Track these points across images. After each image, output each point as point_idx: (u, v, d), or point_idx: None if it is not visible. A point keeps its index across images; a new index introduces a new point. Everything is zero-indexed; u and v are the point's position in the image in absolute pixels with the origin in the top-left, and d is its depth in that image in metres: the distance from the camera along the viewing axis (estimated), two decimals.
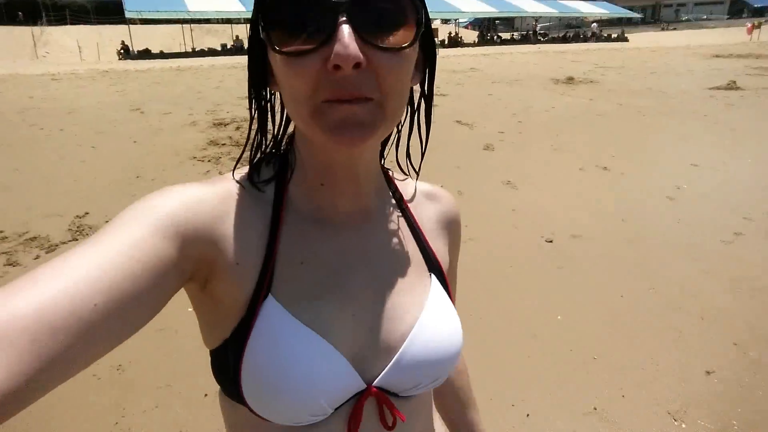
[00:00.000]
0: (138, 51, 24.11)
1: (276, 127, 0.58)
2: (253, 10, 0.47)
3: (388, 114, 0.46)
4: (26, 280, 0.37)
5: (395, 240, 0.60)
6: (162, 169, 5.15)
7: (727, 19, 62.37)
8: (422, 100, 0.59)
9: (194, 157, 5.53)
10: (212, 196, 0.50)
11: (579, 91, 10.34)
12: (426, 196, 0.68)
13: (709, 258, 3.30)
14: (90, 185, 4.65)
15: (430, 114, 0.60)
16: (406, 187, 0.66)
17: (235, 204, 0.52)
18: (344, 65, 0.41)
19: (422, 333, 0.55)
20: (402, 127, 0.61)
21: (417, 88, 0.56)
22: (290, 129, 0.59)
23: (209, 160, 5.42)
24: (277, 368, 0.48)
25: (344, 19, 0.41)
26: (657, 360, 2.35)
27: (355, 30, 0.41)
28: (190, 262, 0.46)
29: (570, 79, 11.64)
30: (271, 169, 0.57)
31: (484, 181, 4.80)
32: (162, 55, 24.02)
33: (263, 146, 0.57)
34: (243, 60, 20.33)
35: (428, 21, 0.48)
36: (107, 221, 0.45)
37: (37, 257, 3.27)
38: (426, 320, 0.56)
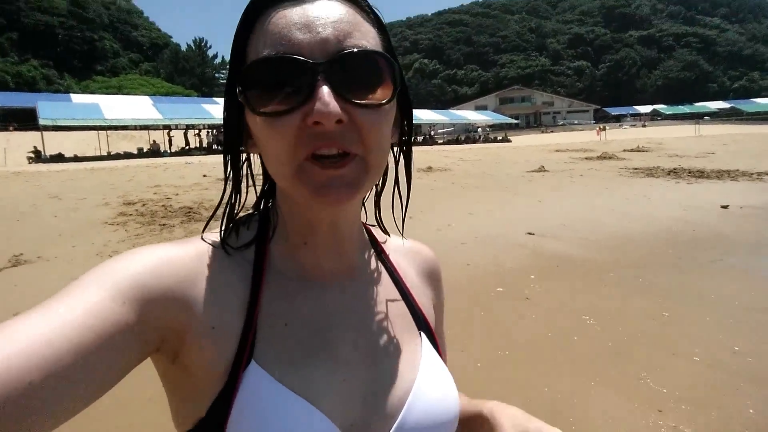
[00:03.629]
0: (50, 155, 24.02)
1: (249, 188, 0.57)
2: (229, 76, 0.49)
3: (371, 169, 0.47)
4: None
5: (382, 297, 0.58)
6: (78, 229, 6.77)
7: (594, 123, 75.60)
8: (401, 156, 0.59)
9: (105, 222, 7.20)
10: (183, 256, 0.48)
11: (431, 176, 13.30)
12: (407, 250, 0.68)
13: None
14: (20, 240, 6.16)
15: (410, 170, 0.60)
16: (387, 242, 0.66)
17: (210, 264, 0.49)
18: (325, 122, 0.42)
19: (420, 400, 0.52)
20: (383, 187, 0.61)
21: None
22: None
23: (118, 224, 7.11)
24: None
25: (322, 78, 0.43)
26: None
27: (334, 89, 0.43)
28: (155, 330, 0.43)
29: (429, 168, 14.71)
30: (247, 228, 0.56)
31: None
32: (76, 159, 23.91)
33: (237, 207, 0.55)
34: (158, 160, 21.43)
35: (404, 81, 0.50)
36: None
37: None
38: (422, 385, 0.53)
